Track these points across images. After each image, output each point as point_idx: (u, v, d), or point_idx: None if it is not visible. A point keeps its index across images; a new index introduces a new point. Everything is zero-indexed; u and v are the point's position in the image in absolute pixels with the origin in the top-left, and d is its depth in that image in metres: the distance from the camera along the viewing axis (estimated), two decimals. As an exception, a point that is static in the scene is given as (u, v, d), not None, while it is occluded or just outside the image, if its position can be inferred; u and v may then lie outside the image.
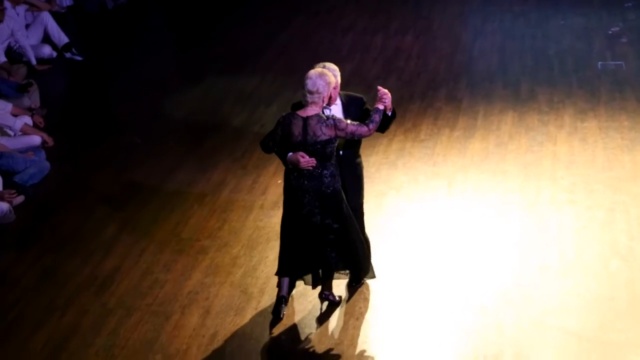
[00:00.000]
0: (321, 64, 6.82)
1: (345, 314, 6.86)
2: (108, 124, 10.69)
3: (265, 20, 14.11)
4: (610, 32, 12.76)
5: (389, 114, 6.80)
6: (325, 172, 6.55)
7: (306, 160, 6.49)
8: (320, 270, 6.88)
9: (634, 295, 6.91)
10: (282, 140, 6.58)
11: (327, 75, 6.51)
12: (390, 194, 8.61)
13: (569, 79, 11.15)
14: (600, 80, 11.06)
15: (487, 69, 11.64)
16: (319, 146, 6.47)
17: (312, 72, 6.52)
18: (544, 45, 12.37)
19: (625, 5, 13.89)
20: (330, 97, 6.62)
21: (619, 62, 11.62)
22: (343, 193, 6.70)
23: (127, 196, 8.84)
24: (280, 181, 8.87)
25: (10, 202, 8.49)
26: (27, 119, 9.98)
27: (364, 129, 6.55)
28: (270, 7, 14.83)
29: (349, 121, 6.56)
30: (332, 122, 6.46)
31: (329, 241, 6.70)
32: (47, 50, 12.51)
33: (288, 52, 12.73)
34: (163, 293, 7.24)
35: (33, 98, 10.71)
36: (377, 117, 6.62)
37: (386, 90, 6.71)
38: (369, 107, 6.83)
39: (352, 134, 6.53)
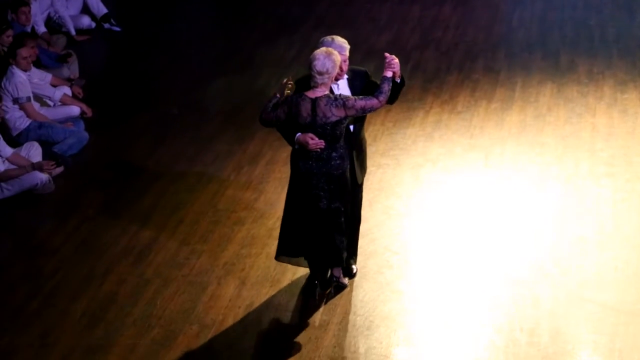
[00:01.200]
0: (329, 37, 6.60)
1: (377, 285, 6.87)
2: (146, 94, 10.75)
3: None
4: (652, 2, 12.54)
5: (398, 81, 6.55)
6: (335, 154, 6.37)
7: (315, 142, 6.29)
8: (327, 259, 6.66)
9: (672, 270, 6.85)
10: (287, 120, 6.39)
11: (334, 54, 6.31)
12: (426, 166, 8.58)
13: (610, 49, 10.99)
14: (642, 51, 10.89)
15: (526, 40, 11.50)
16: (328, 128, 6.28)
17: (319, 53, 6.29)
18: (584, 15, 12.19)
19: (670, -27, 13.61)
20: (341, 70, 6.43)
21: (662, 32, 11.43)
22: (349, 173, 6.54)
23: (164, 167, 8.91)
24: (316, 153, 8.87)
25: (49, 173, 8.59)
26: (67, 90, 10.06)
27: (374, 101, 6.31)
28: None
29: (356, 97, 6.35)
30: (341, 101, 6.25)
31: (338, 225, 6.49)
32: (86, 21, 12.57)
33: (326, 22, 12.67)
34: (199, 264, 7.30)
35: (72, 68, 10.79)
36: (386, 87, 6.36)
37: (394, 56, 6.46)
38: (374, 80, 6.64)
39: (363, 109, 6.31)
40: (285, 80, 6.49)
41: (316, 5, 13.32)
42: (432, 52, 11.28)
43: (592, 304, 6.54)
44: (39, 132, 9.20)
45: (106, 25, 12.69)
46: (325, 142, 6.32)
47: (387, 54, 6.49)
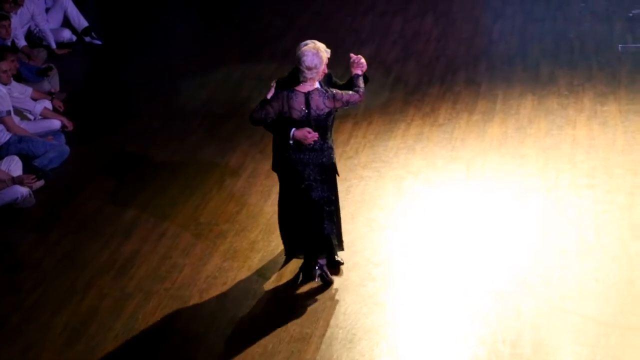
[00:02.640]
0: (310, 42, 6.81)
1: (360, 297, 6.87)
2: (127, 107, 10.73)
3: (284, 4, 14.07)
4: (631, 15, 12.62)
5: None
6: (326, 145, 6.78)
7: (312, 135, 6.66)
8: (319, 247, 6.94)
9: (653, 280, 6.89)
10: (279, 116, 6.67)
11: (322, 51, 6.66)
12: (408, 179, 8.59)
13: (589, 62, 11.07)
14: (621, 63, 10.96)
15: (506, 52, 11.56)
16: (322, 119, 6.66)
17: (308, 49, 6.63)
18: (564, 28, 12.27)
19: (647, -13, 13.75)
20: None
21: (640, 45, 11.53)
22: None
23: (146, 180, 8.88)
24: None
25: (30, 187, 8.55)
26: (47, 103, 10.03)
27: (356, 96, 6.75)
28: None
29: (342, 91, 6.75)
30: (331, 94, 6.66)
31: (328, 213, 6.87)
32: (66, 34, 12.55)
33: (307, 35, 12.60)
34: (181, 277, 7.28)
35: (53, 82, 10.76)
36: (361, 83, 6.82)
37: (360, 56, 6.93)
38: (337, 80, 7.03)
39: (347, 102, 6.72)
40: (273, 84, 6.79)
41: (298, 18, 13.35)
42: (414, 65, 11.32)
43: (573, 316, 6.56)
44: (19, 146, 9.15)
45: (87, 39, 12.67)
46: (318, 134, 6.66)
47: (352, 55, 6.96)
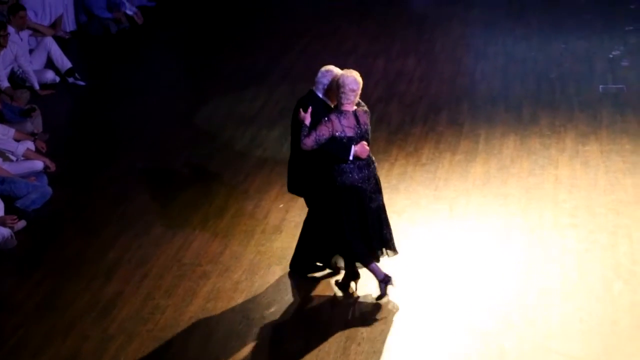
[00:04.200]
0: (331, 67, 7.35)
1: (346, 337, 6.84)
2: (111, 148, 10.71)
3: (268, 44, 14.16)
4: (611, 56, 12.79)
5: None
6: (372, 157, 7.29)
7: (368, 148, 7.18)
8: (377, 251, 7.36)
9: (637, 319, 6.89)
10: (330, 140, 7.05)
11: (359, 76, 7.19)
12: (392, 218, 8.51)
13: (571, 102, 11.17)
14: (602, 104, 11.07)
15: (489, 93, 11.65)
16: (368, 134, 7.21)
17: (349, 73, 7.14)
18: (545, 69, 12.39)
19: (626, 28, 13.93)
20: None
21: (620, 86, 11.64)
22: None
23: (129, 220, 8.84)
24: (282, 205, 8.89)
25: (11, 228, 8.49)
26: (30, 144, 9.99)
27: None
28: (274, 30, 14.88)
29: None
30: (367, 111, 7.31)
31: (385, 220, 7.37)
32: (50, 75, 12.55)
33: (292, 74, 12.76)
34: (164, 318, 7.22)
35: (36, 123, 10.73)
36: None
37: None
38: None
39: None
40: (302, 115, 7.13)
41: (282, 57, 13.42)
42: (397, 105, 11.38)
43: (557, 355, 6.55)
44: (1, 187, 9.09)
45: (70, 80, 12.68)
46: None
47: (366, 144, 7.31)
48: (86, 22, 14.77)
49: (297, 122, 7.22)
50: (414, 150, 10.00)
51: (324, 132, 7.05)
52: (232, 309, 7.27)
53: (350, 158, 7.10)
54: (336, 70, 7.31)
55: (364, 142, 7.14)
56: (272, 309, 7.22)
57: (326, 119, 7.07)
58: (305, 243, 7.54)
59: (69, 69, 12.67)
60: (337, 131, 7.06)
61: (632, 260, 7.68)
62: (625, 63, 12.49)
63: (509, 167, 9.48)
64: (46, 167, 9.81)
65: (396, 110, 11.21)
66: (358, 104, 7.29)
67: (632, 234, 8.07)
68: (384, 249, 7.38)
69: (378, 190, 7.32)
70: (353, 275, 7.39)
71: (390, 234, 7.42)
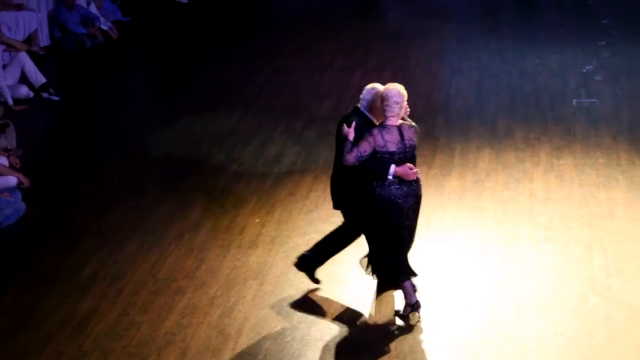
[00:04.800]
0: (376, 85, 7.35)
1: (321, 352, 6.82)
2: (86, 163, 10.65)
3: (244, 59, 14.17)
4: (584, 70, 12.90)
5: None
6: (418, 177, 7.12)
7: (414, 172, 7.04)
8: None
9: (611, 333, 6.92)
10: (373, 153, 6.97)
11: (402, 88, 7.16)
12: (368, 232, 8.59)
13: (545, 116, 11.25)
14: (576, 118, 11.16)
15: (464, 107, 11.71)
16: (413, 150, 7.10)
17: (395, 85, 7.14)
18: (520, 83, 12.48)
19: (599, 43, 14.07)
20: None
21: (594, 100, 11.74)
22: None
23: (104, 236, 8.79)
24: (258, 220, 8.88)
25: (-15, 243, 8.42)
26: (3, 160, 9.92)
27: None
28: (249, 46, 14.90)
29: None
30: (415, 127, 7.19)
31: (411, 240, 7.33)
32: (24, 91, 12.48)
33: (266, 90, 12.78)
34: (139, 334, 7.18)
35: (9, 138, 10.65)
36: None
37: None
38: None
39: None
40: (345, 130, 7.07)
41: (258, 72, 13.43)
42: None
43: (534, 369, 6.56)
44: (-25, 202, 9.04)
45: (45, 95, 12.61)
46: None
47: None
48: (61, 37, 14.73)
49: (341, 138, 7.15)
50: (390, 165, 9.99)
51: (365, 147, 6.95)
52: (208, 324, 7.24)
53: (390, 177, 6.99)
54: (380, 87, 7.27)
55: (409, 165, 7.01)
56: (249, 324, 7.19)
57: (368, 133, 6.98)
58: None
59: (43, 84, 12.61)
60: (379, 146, 6.95)
61: (607, 273, 7.73)
62: (598, 77, 12.61)
63: (484, 181, 9.52)
64: (20, 183, 9.74)
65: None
66: (403, 119, 7.22)
67: (606, 247, 8.13)
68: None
69: (416, 210, 7.22)
70: (412, 306, 7.15)
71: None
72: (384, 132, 7.00)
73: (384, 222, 7.12)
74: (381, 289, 7.52)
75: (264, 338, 7.04)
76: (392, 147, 6.98)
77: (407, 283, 7.14)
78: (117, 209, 9.36)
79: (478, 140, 10.55)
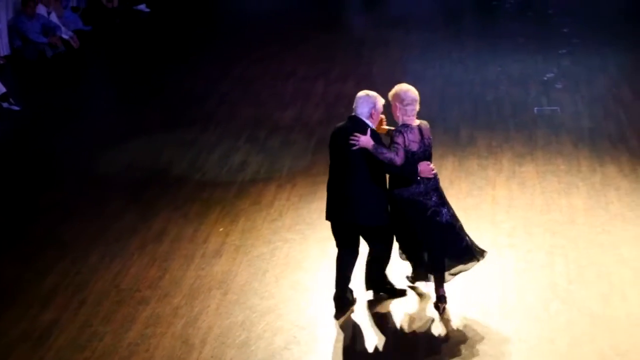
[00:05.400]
0: (370, 91, 7.27)
1: (288, 362, 6.81)
2: (47, 174, 10.55)
3: (206, 68, 14.14)
4: (545, 78, 13.04)
5: None
6: (435, 172, 7.19)
7: (432, 168, 7.12)
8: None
9: (573, 338, 6.97)
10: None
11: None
12: (332, 240, 8.51)
13: (507, 123, 11.34)
14: (537, 125, 11.27)
15: (427, 115, 11.54)
16: (431, 149, 7.20)
17: (403, 85, 7.18)
18: (482, 91, 12.58)
19: (560, 52, 14.23)
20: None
21: (555, 107, 11.86)
22: None
23: (65, 247, 8.70)
24: (221, 229, 8.84)
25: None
26: (-37, 170, 9.81)
27: None
28: (212, 55, 14.88)
29: None
30: (429, 125, 7.25)
31: (460, 229, 7.25)
32: (-16, 100, 12.36)
33: (229, 99, 12.75)
34: (102, 345, 7.10)
35: (-31, 148, 10.55)
36: None
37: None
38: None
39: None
40: (365, 139, 6.97)
41: (221, 81, 13.40)
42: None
43: (498, 375, 6.59)
44: None
45: (5, 105, 12.49)
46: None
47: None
48: (21, 46, 14.60)
49: (353, 150, 6.98)
50: (354, 173, 10.01)
51: (400, 141, 6.97)
52: (172, 335, 7.19)
53: (419, 177, 7.06)
54: (372, 92, 7.22)
55: (427, 162, 7.08)
56: (213, 334, 7.15)
57: (398, 133, 7.00)
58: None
59: (3, 94, 12.49)
60: (405, 144, 7.00)
61: (568, 279, 7.79)
62: (559, 85, 12.74)
63: (448, 189, 9.50)
64: (-20, 193, 9.63)
65: (335, 133, 11.22)
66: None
67: (567, 254, 8.19)
68: (467, 258, 7.28)
69: (443, 204, 7.19)
70: (439, 299, 7.30)
71: (471, 239, 7.32)
72: (408, 131, 7.04)
73: (403, 219, 7.15)
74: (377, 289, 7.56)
75: (229, 347, 7.00)
76: (415, 147, 7.05)
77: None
78: (78, 220, 9.28)
79: (441, 148, 10.59)
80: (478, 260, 7.36)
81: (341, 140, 7.10)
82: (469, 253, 7.30)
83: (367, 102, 7.25)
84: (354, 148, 6.98)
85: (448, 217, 7.20)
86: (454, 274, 7.40)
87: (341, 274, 7.38)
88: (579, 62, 13.68)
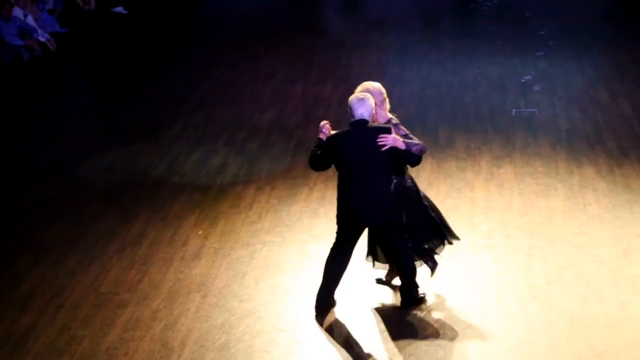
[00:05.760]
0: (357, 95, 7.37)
1: (268, 365, 6.80)
2: (26, 176, 10.48)
3: (184, 71, 14.10)
4: (523, 80, 13.10)
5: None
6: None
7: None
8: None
9: (552, 339, 7.01)
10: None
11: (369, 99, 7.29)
12: (312, 243, 8.60)
13: (485, 126, 11.38)
14: (515, 127, 11.32)
15: (405, 117, 11.62)
16: None
17: (367, 84, 7.57)
18: (460, 93, 12.62)
19: (537, 54, 14.31)
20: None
21: (533, 109, 11.92)
22: None
23: (43, 250, 8.64)
24: (200, 232, 8.82)
25: None
26: (-61, 173, 9.74)
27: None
28: (190, 58, 14.84)
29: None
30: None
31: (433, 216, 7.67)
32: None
33: (208, 101, 12.72)
34: (81, 349, 7.06)
35: (-55, 151, 10.47)
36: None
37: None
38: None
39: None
40: (392, 137, 7.13)
41: (199, 84, 13.37)
42: (315, 130, 11.28)
43: (477, 376, 6.61)
44: None
45: (-18, 106, 12.42)
46: None
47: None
48: (-3, 49, 14.51)
49: (379, 152, 7.09)
50: (333, 175, 9.98)
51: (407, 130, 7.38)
52: (151, 338, 7.16)
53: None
54: (362, 93, 7.39)
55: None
56: (192, 337, 7.13)
57: (396, 125, 7.30)
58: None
59: (-20, 96, 12.41)
60: None
61: (547, 280, 7.83)
62: (536, 87, 12.81)
63: (427, 190, 9.48)
64: (-44, 197, 9.56)
65: (315, 135, 11.18)
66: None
67: (546, 255, 8.24)
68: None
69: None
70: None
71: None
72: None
73: (418, 211, 7.52)
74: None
75: (208, 350, 6.98)
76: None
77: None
78: (56, 223, 9.22)
79: (420, 150, 10.61)
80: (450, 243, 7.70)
81: (359, 145, 7.13)
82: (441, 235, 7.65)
83: (365, 104, 7.31)
84: (385, 149, 7.07)
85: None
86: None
87: (338, 277, 7.42)
88: (556, 64, 13.77)
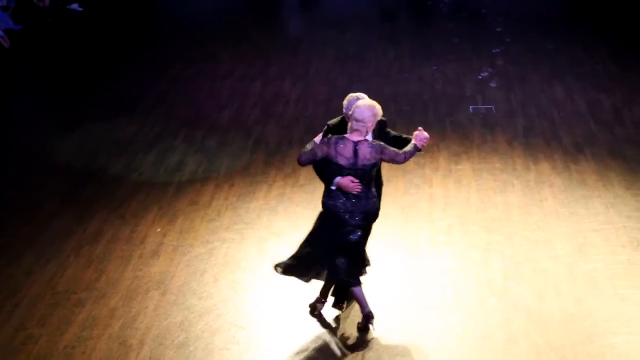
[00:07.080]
0: (354, 95, 7.26)
1: (228, 362, 6.78)
2: (-22, 174, 10.35)
3: (141, 69, 14.00)
4: (480, 77, 13.19)
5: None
6: (370, 193, 6.97)
7: (355, 185, 6.85)
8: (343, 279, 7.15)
9: (509, 334, 7.07)
10: (323, 160, 6.89)
11: (376, 108, 6.96)
12: (271, 240, 8.60)
13: (443, 122, 11.45)
14: (473, 124, 11.40)
15: (363, 114, 11.79)
16: (367, 169, 6.87)
17: (363, 103, 6.97)
18: (418, 90, 12.67)
19: (494, 51, 14.42)
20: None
21: (489, 106, 12.02)
22: None
23: (-1, 249, 8.56)
24: (159, 229, 8.77)
25: None
26: None
27: (400, 157, 6.99)
28: (147, 56, 14.73)
29: (388, 147, 6.97)
30: (378, 147, 6.88)
31: (361, 253, 7.19)
32: None
33: (166, 99, 12.64)
34: (37, 348, 6.99)
35: None
36: (412, 152, 7.06)
37: (427, 135, 7.18)
38: (390, 130, 7.37)
39: (391, 159, 6.96)
40: (324, 128, 7.10)
41: (156, 83, 13.28)
42: (274, 127, 11.41)
43: (436, 371, 6.65)
44: None
45: None
46: (362, 183, 6.88)
47: (420, 128, 7.22)
48: (-50, 45, 14.28)
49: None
50: (292, 172, 10.03)
51: (316, 152, 6.84)
52: (109, 336, 7.11)
53: (332, 187, 6.89)
54: (368, 100, 7.14)
55: (350, 177, 6.83)
56: (151, 335, 7.09)
57: (326, 140, 6.88)
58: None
59: None
60: (330, 155, 6.84)
61: (504, 276, 7.90)
62: (493, 84, 12.91)
63: (385, 186, 9.48)
64: None
65: (274, 132, 11.24)
66: (381, 130, 7.14)
67: (503, 251, 8.31)
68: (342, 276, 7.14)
69: (364, 227, 7.04)
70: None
71: (356, 265, 7.16)
72: (340, 143, 6.85)
73: (323, 228, 7.06)
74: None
75: (167, 348, 6.95)
76: (342, 161, 6.85)
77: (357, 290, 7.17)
78: (12, 221, 9.11)
79: (378, 147, 10.65)
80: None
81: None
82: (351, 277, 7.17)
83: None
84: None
85: (357, 239, 7.05)
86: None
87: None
88: (512, 61, 13.88)
